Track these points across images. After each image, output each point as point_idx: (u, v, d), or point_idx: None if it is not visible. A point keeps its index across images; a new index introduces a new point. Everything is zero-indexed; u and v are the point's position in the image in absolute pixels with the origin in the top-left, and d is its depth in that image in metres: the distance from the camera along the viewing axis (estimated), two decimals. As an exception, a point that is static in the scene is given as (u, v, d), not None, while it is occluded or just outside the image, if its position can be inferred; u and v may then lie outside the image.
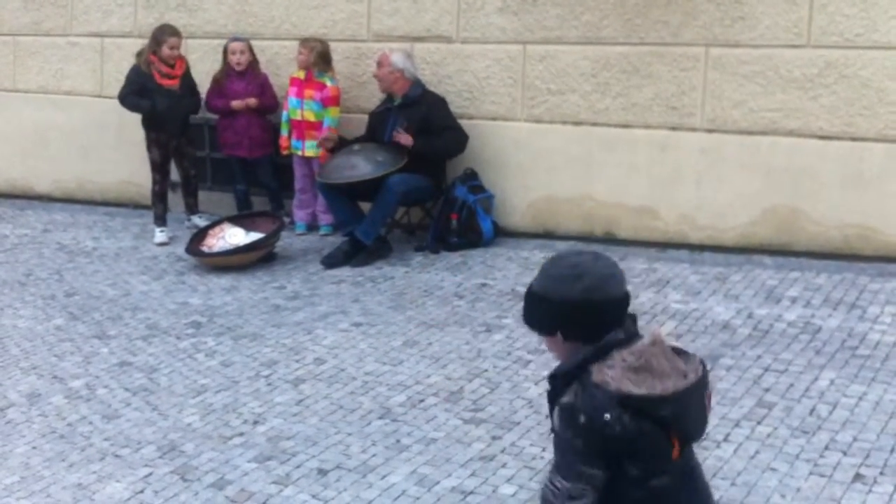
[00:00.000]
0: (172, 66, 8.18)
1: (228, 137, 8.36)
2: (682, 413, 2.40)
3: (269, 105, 8.33)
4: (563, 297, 2.42)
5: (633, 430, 2.33)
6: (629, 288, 2.48)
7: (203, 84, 8.40)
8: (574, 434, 2.36)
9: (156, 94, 8.13)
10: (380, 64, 7.60)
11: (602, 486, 2.37)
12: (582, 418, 2.35)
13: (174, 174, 8.55)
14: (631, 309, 2.48)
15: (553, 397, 2.47)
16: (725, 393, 4.88)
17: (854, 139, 6.73)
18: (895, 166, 6.64)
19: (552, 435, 2.46)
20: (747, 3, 6.90)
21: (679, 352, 2.47)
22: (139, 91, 8.19)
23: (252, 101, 8.19)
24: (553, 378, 2.48)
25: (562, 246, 7.29)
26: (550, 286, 2.46)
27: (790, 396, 4.85)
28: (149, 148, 8.35)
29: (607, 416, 2.32)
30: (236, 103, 8.18)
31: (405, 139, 7.34)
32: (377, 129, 7.67)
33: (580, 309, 2.41)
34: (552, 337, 2.49)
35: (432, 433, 4.77)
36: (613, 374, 2.34)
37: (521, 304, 6.41)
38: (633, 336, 2.43)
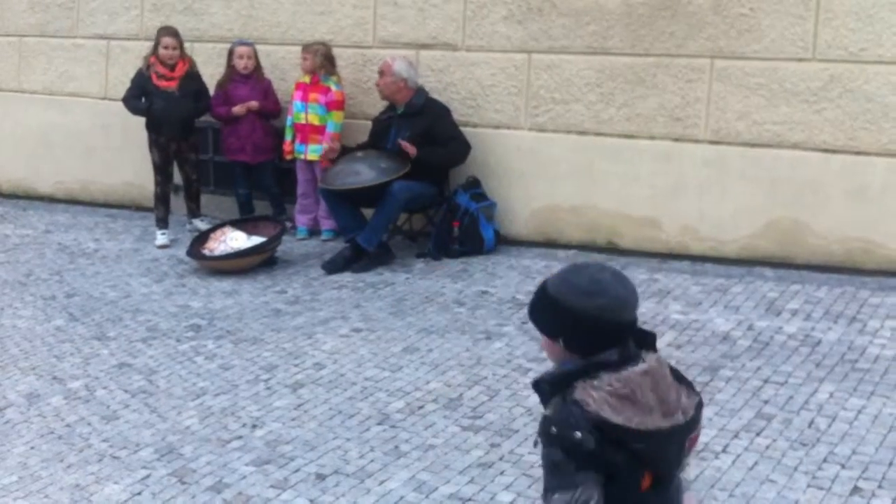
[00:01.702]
0: (171, 68, 8.19)
1: (232, 142, 8.37)
2: (656, 451, 2.35)
3: (271, 110, 8.34)
4: (576, 308, 2.39)
5: (606, 453, 2.29)
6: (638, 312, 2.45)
7: (209, 87, 8.41)
8: (551, 445, 2.33)
9: (153, 96, 8.16)
10: (382, 73, 7.59)
11: (600, 485, 2.31)
12: (553, 429, 2.32)
13: (177, 177, 8.56)
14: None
15: (544, 404, 2.45)
16: (724, 404, 4.88)
17: (857, 153, 6.73)
18: (898, 181, 6.64)
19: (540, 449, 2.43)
20: (753, 16, 6.91)
21: (680, 378, 2.42)
22: (141, 93, 8.23)
23: (253, 104, 8.20)
24: (536, 384, 2.45)
25: (563, 255, 7.30)
26: (567, 294, 2.42)
27: (789, 409, 4.84)
28: (150, 149, 8.38)
29: (578, 434, 2.28)
30: (237, 108, 8.19)
31: (410, 149, 7.34)
32: (380, 136, 7.67)
33: (589, 325, 2.37)
34: (553, 342, 2.47)
35: (431, 440, 4.77)
36: (596, 395, 2.30)
37: (521, 313, 6.41)
38: (629, 359, 2.38)
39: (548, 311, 2.46)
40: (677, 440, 2.38)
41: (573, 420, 2.30)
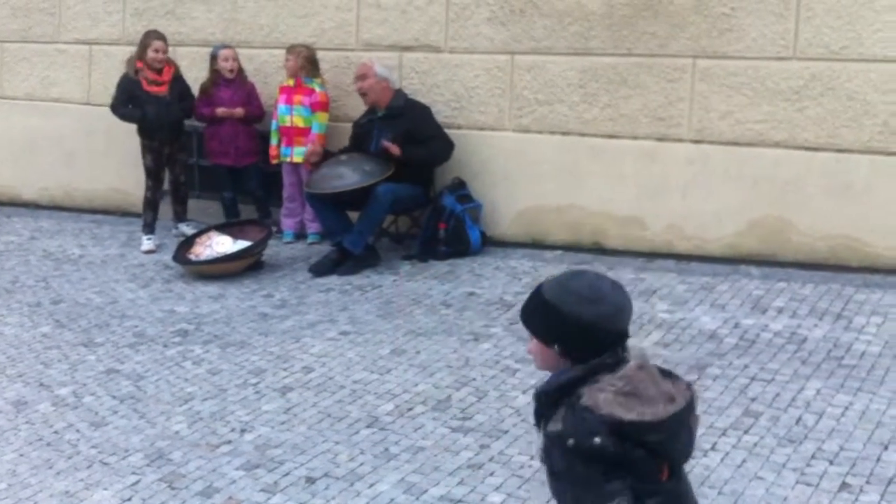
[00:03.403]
0: (160, 73, 8.18)
1: (215, 146, 8.36)
2: (671, 438, 2.38)
3: (255, 114, 8.33)
4: (575, 314, 2.40)
5: (621, 454, 2.31)
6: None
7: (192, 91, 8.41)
8: (570, 463, 2.34)
9: (145, 102, 8.14)
10: (364, 76, 7.58)
11: (629, 490, 2.33)
12: (570, 442, 2.32)
13: (166, 182, 8.55)
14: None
15: (539, 416, 2.46)
16: (712, 402, 4.90)
17: (840, 151, 6.77)
18: (880, 178, 6.68)
19: (549, 470, 2.42)
20: (734, 16, 6.94)
21: (665, 373, 2.45)
22: (129, 99, 8.20)
23: (238, 111, 8.20)
24: (539, 396, 2.46)
25: (549, 255, 7.33)
26: (565, 300, 2.42)
27: (777, 406, 4.87)
28: (143, 155, 8.36)
29: (597, 440, 2.29)
30: (221, 110, 8.18)
31: (393, 149, 7.35)
32: (362, 140, 7.67)
33: (587, 331, 2.39)
34: (547, 347, 2.47)
35: (420, 442, 4.78)
36: (604, 397, 2.31)
37: (508, 314, 6.43)
38: (621, 360, 2.40)
39: (545, 316, 2.46)
40: (685, 422, 2.42)
41: (588, 427, 2.31)
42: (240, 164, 8.36)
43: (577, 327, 2.40)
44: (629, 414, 2.31)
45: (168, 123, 8.22)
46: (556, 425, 2.38)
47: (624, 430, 2.31)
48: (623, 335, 2.43)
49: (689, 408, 2.42)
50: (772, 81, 6.89)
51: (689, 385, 2.46)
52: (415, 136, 7.46)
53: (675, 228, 7.26)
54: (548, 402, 2.42)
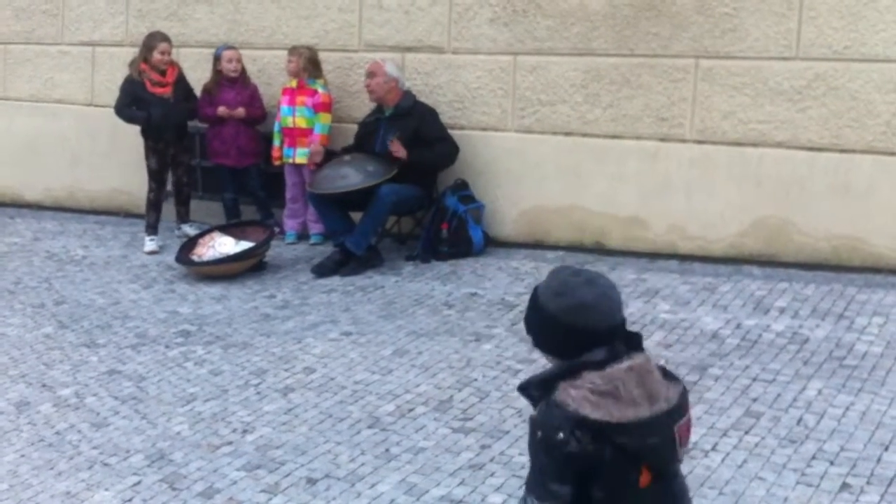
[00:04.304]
0: (163, 74, 8.19)
1: (217, 146, 8.37)
2: (643, 442, 2.34)
3: (256, 115, 8.33)
4: (543, 308, 2.41)
5: (592, 451, 2.30)
6: (621, 317, 2.42)
7: (195, 92, 8.42)
8: (536, 450, 2.36)
9: (149, 104, 8.15)
10: (373, 74, 7.59)
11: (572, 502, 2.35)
12: (539, 433, 2.34)
13: (169, 184, 8.56)
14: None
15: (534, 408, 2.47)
16: (713, 403, 4.90)
17: (842, 151, 6.76)
18: (883, 178, 6.67)
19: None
20: (737, 16, 6.93)
21: (666, 374, 2.43)
22: (133, 101, 8.21)
23: (240, 111, 8.20)
24: (522, 389, 2.46)
25: (551, 256, 7.32)
26: (542, 293, 2.45)
27: (778, 406, 4.87)
28: (147, 156, 8.36)
29: (560, 435, 2.30)
30: (222, 110, 8.18)
31: (400, 152, 7.34)
32: (367, 140, 7.68)
33: (552, 326, 2.39)
34: (534, 344, 2.49)
35: (421, 442, 4.78)
36: (576, 394, 2.31)
37: (510, 314, 6.43)
38: (616, 357, 2.37)
39: (527, 308, 2.50)
40: (662, 429, 2.37)
41: (555, 422, 2.32)
42: (241, 164, 8.36)
43: (544, 320, 2.41)
44: (596, 413, 2.30)
45: (173, 124, 8.23)
46: (535, 413, 2.40)
47: (591, 428, 2.30)
48: (598, 334, 2.38)
49: (671, 413, 2.38)
50: (774, 81, 6.88)
51: (682, 391, 2.42)
52: (420, 137, 7.46)
53: (678, 229, 7.25)
54: (535, 396, 2.43)
